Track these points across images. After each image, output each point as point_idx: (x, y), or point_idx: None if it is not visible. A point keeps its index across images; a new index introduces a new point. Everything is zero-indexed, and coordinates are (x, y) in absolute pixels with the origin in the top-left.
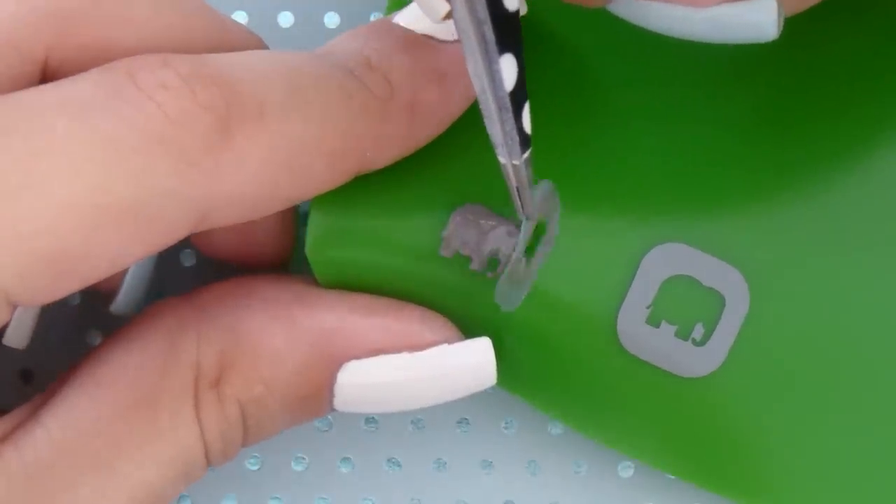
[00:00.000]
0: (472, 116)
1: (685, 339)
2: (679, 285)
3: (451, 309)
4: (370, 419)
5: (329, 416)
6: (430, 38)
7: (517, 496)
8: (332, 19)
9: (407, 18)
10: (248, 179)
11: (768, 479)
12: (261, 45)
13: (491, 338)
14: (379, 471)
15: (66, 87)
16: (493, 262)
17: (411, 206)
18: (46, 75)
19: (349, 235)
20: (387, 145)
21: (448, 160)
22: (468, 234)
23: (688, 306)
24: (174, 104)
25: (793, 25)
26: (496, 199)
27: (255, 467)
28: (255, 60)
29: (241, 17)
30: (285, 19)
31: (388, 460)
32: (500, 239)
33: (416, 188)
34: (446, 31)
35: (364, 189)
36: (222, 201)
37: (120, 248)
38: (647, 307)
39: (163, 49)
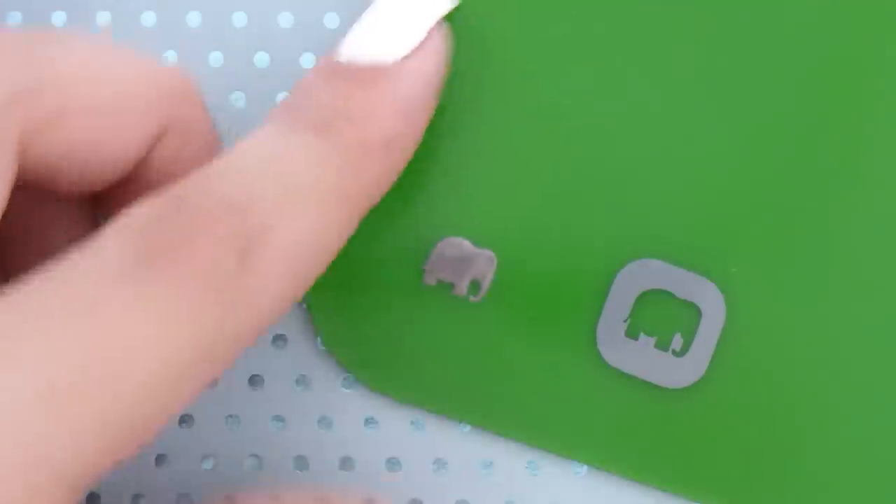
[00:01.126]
0: (447, 155)
1: (665, 349)
2: (654, 299)
3: (433, 333)
4: (370, 419)
5: (329, 415)
6: (376, 66)
7: (517, 496)
8: (331, 19)
9: (349, 51)
10: (277, 288)
11: (753, 488)
12: (191, 85)
13: (473, 362)
14: (378, 471)
15: (100, 256)
16: (475, 286)
17: (394, 242)
18: (25, 165)
19: (345, 274)
20: (377, 182)
21: (429, 199)
22: (450, 262)
23: (664, 318)
24: (200, 258)
25: (776, 36)
26: (477, 232)
27: (256, 467)
28: (242, 165)
29: (240, 17)
30: (285, 19)
31: (388, 460)
32: (480, 265)
33: (398, 225)
34: (387, 54)
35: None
36: (264, 316)
37: (187, 399)
38: (624, 320)
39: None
